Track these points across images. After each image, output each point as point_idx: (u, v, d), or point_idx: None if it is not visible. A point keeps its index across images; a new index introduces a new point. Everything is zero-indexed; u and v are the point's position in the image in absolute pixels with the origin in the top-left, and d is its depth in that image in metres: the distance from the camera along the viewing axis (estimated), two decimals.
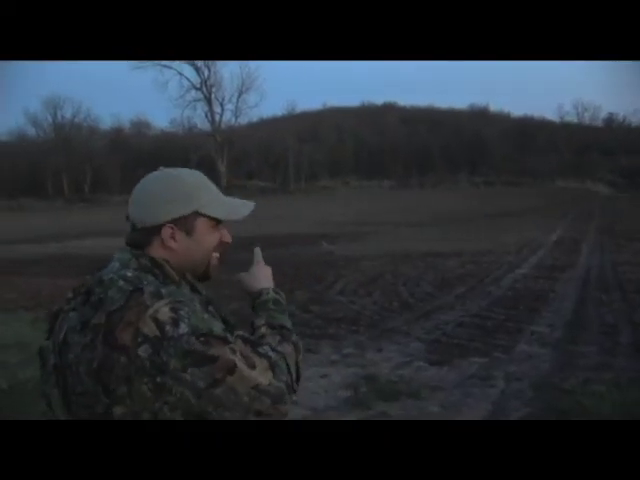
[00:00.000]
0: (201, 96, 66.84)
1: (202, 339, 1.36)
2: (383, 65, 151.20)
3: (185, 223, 1.56)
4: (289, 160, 66.20)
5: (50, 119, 68.70)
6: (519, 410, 5.39)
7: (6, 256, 20.21)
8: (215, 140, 65.04)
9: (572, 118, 76.75)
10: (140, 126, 74.90)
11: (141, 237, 1.55)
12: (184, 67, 66.46)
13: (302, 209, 43.05)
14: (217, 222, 1.62)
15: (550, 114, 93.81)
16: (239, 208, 1.68)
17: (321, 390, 6.03)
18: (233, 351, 1.39)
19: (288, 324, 1.66)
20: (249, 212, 1.69)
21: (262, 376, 1.42)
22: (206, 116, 67.70)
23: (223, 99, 67.49)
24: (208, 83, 66.57)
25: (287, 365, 1.51)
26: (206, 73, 66.35)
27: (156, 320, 1.36)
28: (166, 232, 1.54)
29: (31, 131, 70.31)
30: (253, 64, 76.45)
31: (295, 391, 1.52)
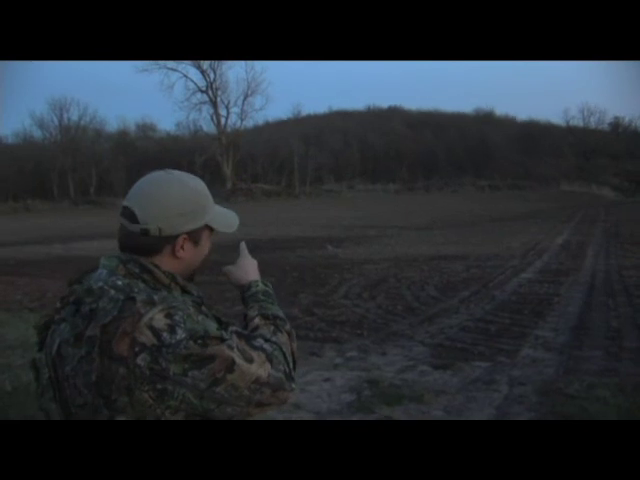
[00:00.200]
0: (207, 99, 66.97)
1: (200, 341, 1.37)
2: (389, 69, 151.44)
3: (195, 234, 1.60)
4: (294, 163, 66.22)
5: (56, 121, 68.91)
6: (522, 415, 5.37)
7: (12, 257, 20.26)
8: (220, 143, 65.12)
9: (578, 122, 76.74)
10: (146, 129, 75.02)
11: (153, 244, 1.55)
12: (190, 70, 66.81)
13: (307, 212, 43.04)
14: (212, 231, 1.67)
15: (556, 118, 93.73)
16: (233, 219, 1.73)
17: (324, 394, 6.02)
18: (230, 348, 1.40)
19: (281, 314, 1.69)
20: (237, 225, 1.74)
21: (261, 369, 1.44)
22: (212, 119, 67.87)
23: (229, 102, 67.63)
24: (214, 86, 66.69)
25: (284, 354, 1.53)
26: (212, 76, 66.50)
27: (152, 328, 1.36)
28: (180, 243, 1.57)
29: (37, 133, 70.55)
30: (259, 67, 76.82)
31: (294, 379, 1.53)
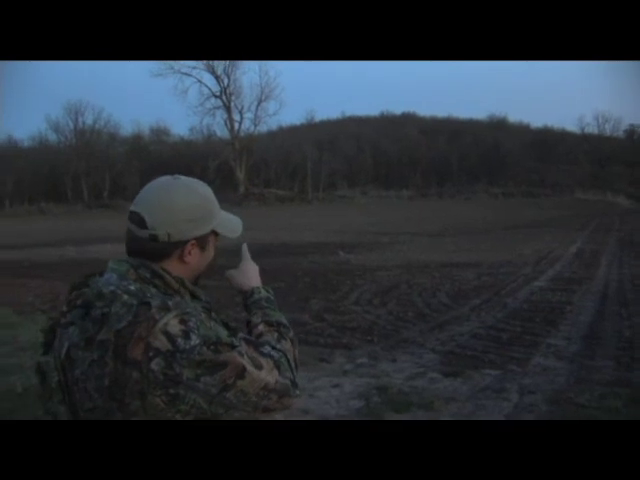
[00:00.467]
0: (220, 104, 67.25)
1: (212, 347, 1.39)
2: (403, 75, 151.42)
3: (203, 240, 1.62)
4: (307, 169, 66.31)
5: (71, 125, 69.44)
6: None
7: (26, 259, 20.40)
8: (234, 148, 65.34)
9: (593, 129, 76.33)
10: (160, 133, 75.38)
11: (162, 249, 1.55)
12: (204, 75, 67.08)
13: (320, 218, 43.05)
14: (217, 237, 1.69)
15: (570, 125, 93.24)
16: (237, 225, 1.74)
17: (333, 400, 6.01)
18: (241, 355, 1.42)
19: (284, 320, 1.69)
20: (240, 230, 1.75)
21: (269, 375, 1.46)
22: (225, 124, 68.13)
23: (242, 107, 67.90)
24: (228, 91, 66.98)
25: (288, 361, 1.55)
26: (226, 81, 66.81)
27: (167, 333, 1.37)
28: (188, 249, 1.58)
29: (52, 137, 71.08)
30: (273, 72, 77.01)
31: (297, 385, 1.54)
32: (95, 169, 65.83)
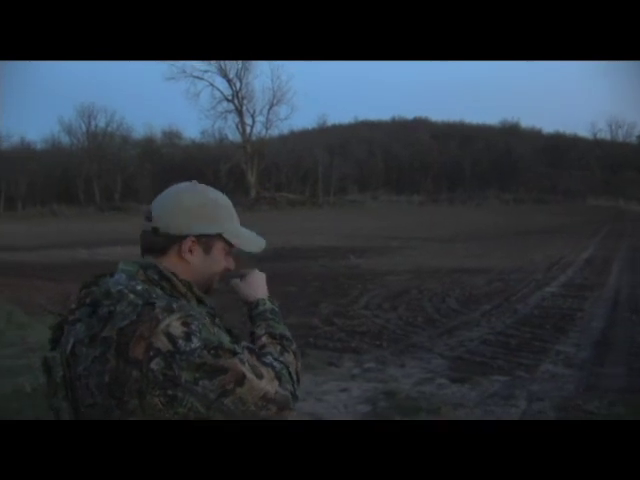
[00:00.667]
0: (232, 108, 67.38)
1: (213, 352, 1.39)
2: (415, 80, 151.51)
3: (206, 241, 1.61)
4: (319, 173, 66.35)
5: (84, 128, 69.83)
6: None
7: (37, 261, 20.53)
8: (245, 151, 65.45)
9: (605, 135, 75.96)
10: (172, 136, 75.65)
11: (161, 242, 1.58)
12: (216, 78, 67.24)
13: (330, 222, 43.06)
14: (230, 249, 1.67)
15: (583, 131, 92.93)
16: (254, 241, 1.73)
17: (340, 404, 6.00)
18: (242, 362, 1.42)
19: (287, 333, 1.68)
20: (261, 248, 1.73)
21: (269, 385, 1.45)
22: (237, 127, 68.23)
23: (254, 111, 67.97)
24: (240, 95, 67.10)
25: (290, 373, 1.54)
26: (238, 85, 66.93)
27: (169, 334, 1.38)
28: (187, 244, 1.59)
29: (65, 139, 71.50)
30: (285, 76, 77.14)
31: (298, 398, 1.53)
32: (107, 172, 66.18)
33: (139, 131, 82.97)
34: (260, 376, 1.43)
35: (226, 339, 1.45)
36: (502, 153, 69.88)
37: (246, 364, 1.42)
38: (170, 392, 1.36)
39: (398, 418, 5.55)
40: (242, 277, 1.81)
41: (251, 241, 1.71)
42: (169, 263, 1.58)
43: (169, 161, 67.77)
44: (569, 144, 72.33)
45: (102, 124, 69.89)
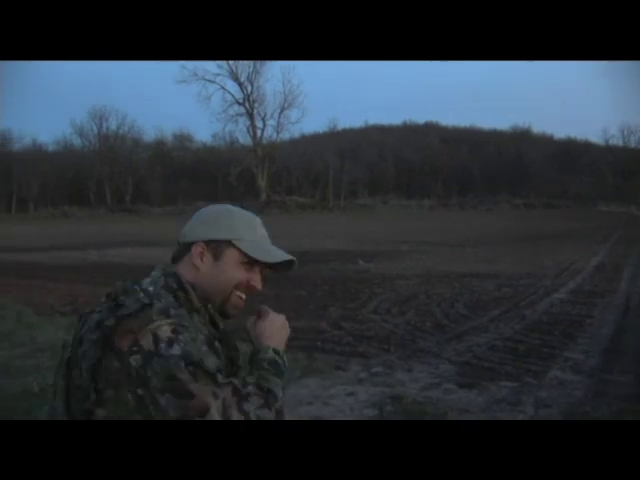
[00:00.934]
0: (243, 111, 67.65)
1: (190, 368, 1.37)
2: (426, 84, 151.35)
3: (216, 248, 1.61)
4: (329, 177, 66.42)
5: (96, 130, 70.25)
6: None
7: (48, 262, 20.63)
8: (256, 155, 65.63)
9: (617, 141, 75.60)
10: (183, 139, 75.98)
11: (178, 251, 1.65)
12: (227, 82, 67.45)
13: (341, 226, 43.07)
14: (250, 263, 1.63)
15: (595, 137, 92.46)
16: (272, 253, 1.67)
17: (347, 408, 6.00)
18: (215, 396, 1.39)
19: (276, 389, 1.55)
20: (280, 260, 1.67)
21: None
22: (248, 131, 68.49)
23: (265, 114, 68.24)
24: (251, 98, 67.34)
25: None
26: (249, 88, 67.20)
27: (155, 335, 1.39)
28: (196, 249, 1.61)
29: (77, 141, 71.93)
30: (296, 80, 77.16)
31: None
32: (118, 174, 66.54)
33: (150, 134, 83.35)
34: (228, 418, 1.40)
35: (212, 363, 1.42)
36: (513, 158, 69.73)
37: (219, 400, 1.39)
38: (139, 391, 1.36)
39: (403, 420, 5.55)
40: (259, 316, 1.71)
41: (264, 252, 1.65)
42: (183, 269, 1.61)
43: (180, 164, 68.02)
44: (581, 150, 72.08)
45: (114, 127, 70.47)
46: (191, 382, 1.36)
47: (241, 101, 67.33)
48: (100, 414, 1.40)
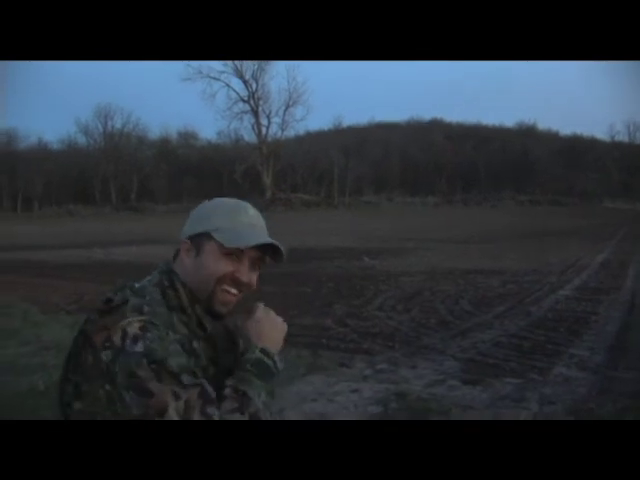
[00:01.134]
0: (248, 108, 67.64)
1: (153, 366, 1.35)
2: (431, 81, 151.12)
3: (197, 242, 1.57)
4: (334, 174, 66.38)
5: (100, 128, 70.34)
6: None
7: (53, 261, 20.68)
8: (261, 152, 65.65)
9: (623, 137, 75.39)
10: (187, 137, 76.03)
11: (177, 249, 1.63)
12: (232, 79, 67.48)
13: (346, 223, 43.06)
14: (235, 254, 1.54)
15: (600, 133, 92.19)
16: (245, 238, 1.54)
17: (351, 405, 6.00)
18: (176, 396, 1.34)
19: (251, 394, 1.45)
20: (254, 244, 1.54)
21: None
22: (253, 128, 68.50)
23: (270, 112, 68.22)
24: (256, 96, 67.35)
25: None
26: (254, 86, 67.20)
27: (124, 331, 1.38)
28: (183, 247, 1.60)
29: (82, 140, 72.03)
30: (300, 78, 77.21)
31: None
32: (123, 172, 66.62)
33: (155, 132, 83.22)
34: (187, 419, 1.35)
35: (176, 362, 1.37)
36: (518, 154, 69.61)
37: (180, 401, 1.34)
38: (107, 387, 1.36)
39: (408, 419, 5.55)
40: (249, 313, 1.62)
41: (241, 237, 1.53)
42: (177, 268, 1.60)
43: (185, 162, 68.08)
44: (586, 146, 71.92)
45: (118, 125, 70.52)
46: (151, 380, 1.33)
47: (246, 99, 67.40)
48: (76, 407, 1.41)
